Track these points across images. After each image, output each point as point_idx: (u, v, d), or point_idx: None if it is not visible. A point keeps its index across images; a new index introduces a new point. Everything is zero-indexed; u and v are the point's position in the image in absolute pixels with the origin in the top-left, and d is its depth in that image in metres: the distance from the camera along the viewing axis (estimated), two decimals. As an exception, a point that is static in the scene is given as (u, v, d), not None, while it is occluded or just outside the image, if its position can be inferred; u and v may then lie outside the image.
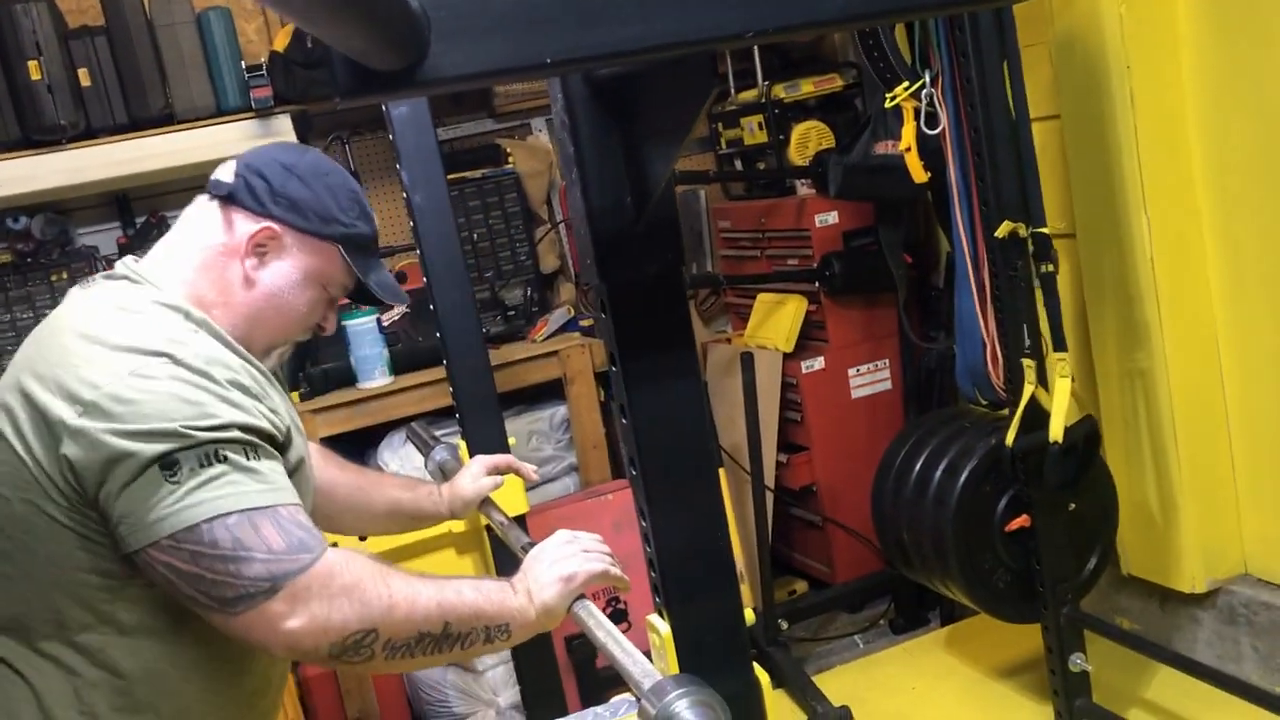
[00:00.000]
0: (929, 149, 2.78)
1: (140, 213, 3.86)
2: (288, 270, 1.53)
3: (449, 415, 3.58)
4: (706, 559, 1.27)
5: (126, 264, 1.53)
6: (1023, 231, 2.57)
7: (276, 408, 1.48)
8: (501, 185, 3.95)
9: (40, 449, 1.33)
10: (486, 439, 2.40)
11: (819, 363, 3.77)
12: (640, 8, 0.89)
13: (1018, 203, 2.58)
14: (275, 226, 1.50)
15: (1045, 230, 2.58)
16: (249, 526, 1.30)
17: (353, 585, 1.34)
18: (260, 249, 1.51)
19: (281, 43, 3.61)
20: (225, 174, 1.54)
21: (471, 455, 2.38)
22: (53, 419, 1.31)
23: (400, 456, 3.51)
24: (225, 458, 1.31)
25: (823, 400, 3.78)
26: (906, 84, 2.73)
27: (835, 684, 3.26)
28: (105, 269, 3.73)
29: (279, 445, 1.43)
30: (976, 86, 2.58)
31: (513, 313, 3.86)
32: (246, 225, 1.50)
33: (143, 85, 3.49)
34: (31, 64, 3.36)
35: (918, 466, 2.95)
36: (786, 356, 3.80)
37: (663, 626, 1.28)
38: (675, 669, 1.27)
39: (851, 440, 3.79)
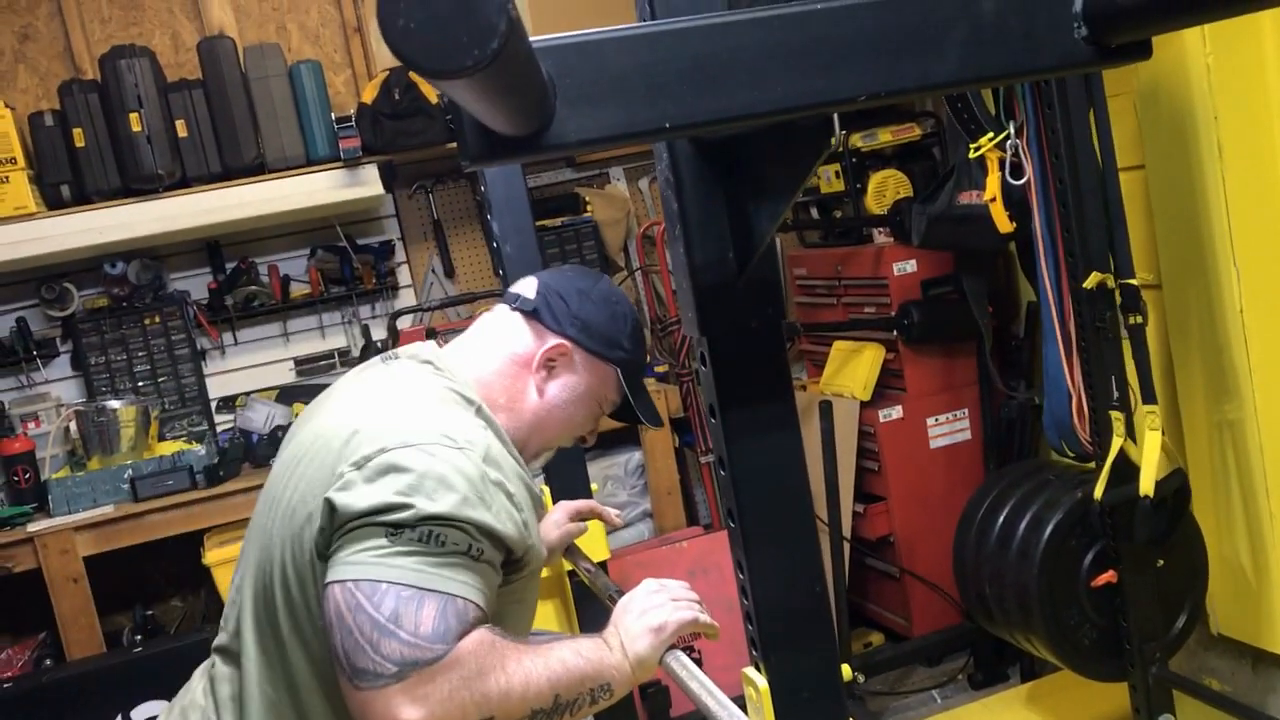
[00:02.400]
0: (1014, 199, 2.77)
1: (230, 259, 3.97)
2: (573, 385, 1.65)
3: (530, 459, 3.62)
4: (804, 613, 1.27)
5: (430, 350, 1.64)
6: (1110, 283, 2.55)
7: (529, 522, 1.52)
8: (580, 233, 4.01)
9: (318, 489, 1.41)
10: (570, 482, 2.42)
11: (897, 411, 3.74)
12: (756, 74, 0.91)
13: (1104, 253, 2.56)
14: (569, 344, 1.63)
15: (1134, 281, 2.56)
16: (415, 603, 1.32)
17: (474, 676, 1.34)
18: (551, 363, 1.63)
19: (370, 95, 3.71)
20: (528, 290, 1.68)
21: (555, 497, 2.41)
22: (333, 468, 1.40)
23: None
24: (444, 542, 1.35)
25: (901, 450, 3.75)
26: (991, 134, 2.73)
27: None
28: (196, 314, 3.85)
29: (514, 559, 1.47)
30: (1062, 137, 2.57)
31: (590, 358, 3.89)
32: (544, 339, 1.63)
33: (236, 136, 3.62)
34: (133, 116, 3.50)
35: (1001, 519, 2.91)
36: (863, 405, 3.78)
37: (760, 680, 1.27)
38: (772, 723, 1.27)
39: (930, 491, 3.75)
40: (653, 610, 1.53)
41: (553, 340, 1.63)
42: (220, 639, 1.58)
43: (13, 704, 3.05)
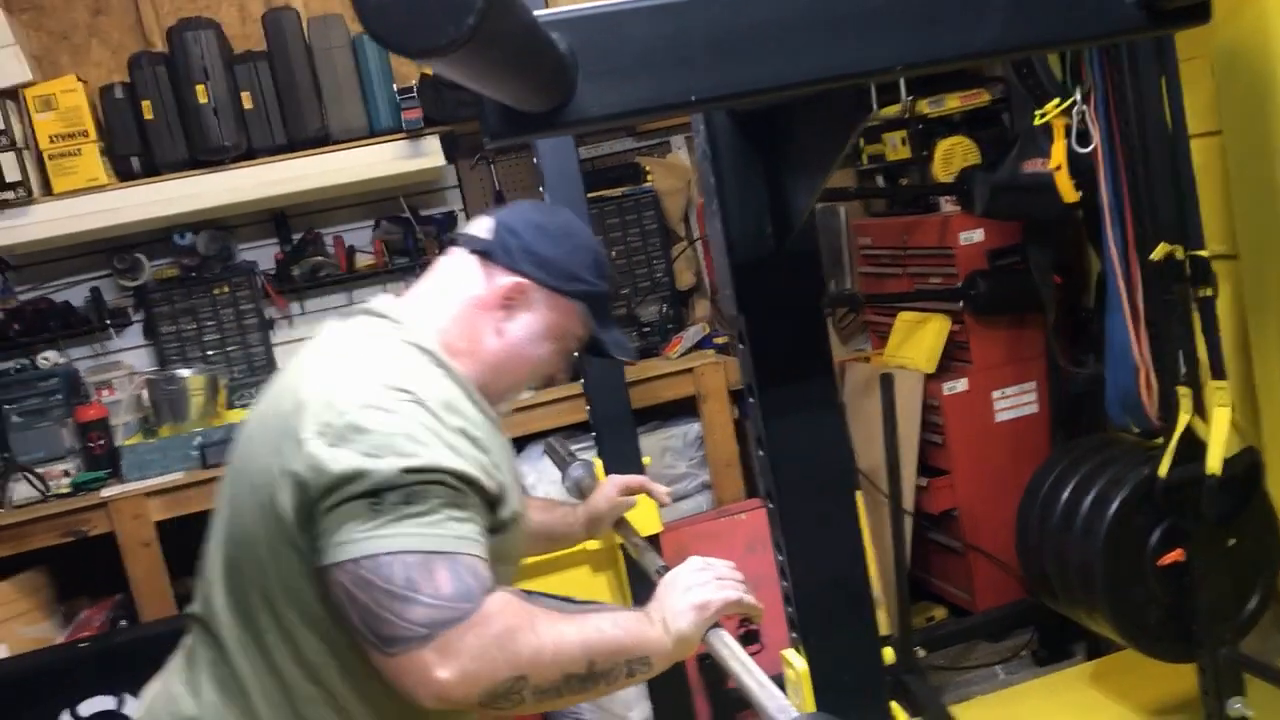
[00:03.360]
0: (1080, 167, 2.69)
1: (296, 230, 4.02)
2: (532, 323, 1.60)
3: (585, 429, 3.62)
4: (844, 595, 1.25)
5: (385, 303, 1.61)
6: (1179, 254, 2.46)
7: (499, 463, 1.52)
8: (640, 203, 3.98)
9: (280, 462, 1.40)
10: (621, 456, 2.41)
11: (962, 384, 3.68)
12: (784, 44, 0.89)
13: (1174, 223, 2.47)
14: (525, 282, 1.58)
15: (1204, 253, 2.47)
16: (425, 568, 1.32)
17: (504, 633, 1.34)
18: (509, 302, 1.59)
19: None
20: (482, 229, 1.63)
21: (607, 471, 2.40)
22: (294, 436, 1.38)
23: (538, 470, 3.56)
24: (428, 499, 1.34)
25: (965, 423, 3.69)
26: (1057, 100, 2.64)
27: (974, 715, 3.17)
28: (263, 284, 3.91)
29: (490, 500, 1.46)
30: (1131, 103, 2.48)
31: (648, 329, 3.89)
32: (499, 279, 1.58)
33: (301, 107, 3.64)
34: (199, 88, 3.54)
35: (1065, 495, 2.84)
36: (928, 377, 3.72)
37: (798, 662, 1.26)
38: (811, 706, 1.26)
39: (994, 465, 3.69)
40: (697, 588, 1.52)
41: (508, 279, 1.58)
42: (193, 607, 1.57)
43: (90, 662, 3.14)
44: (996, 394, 3.71)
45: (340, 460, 1.33)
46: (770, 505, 1.24)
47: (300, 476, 1.35)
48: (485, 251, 1.60)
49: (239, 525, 1.47)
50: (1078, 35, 0.93)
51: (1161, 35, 0.85)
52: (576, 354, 1.70)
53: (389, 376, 1.42)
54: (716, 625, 1.51)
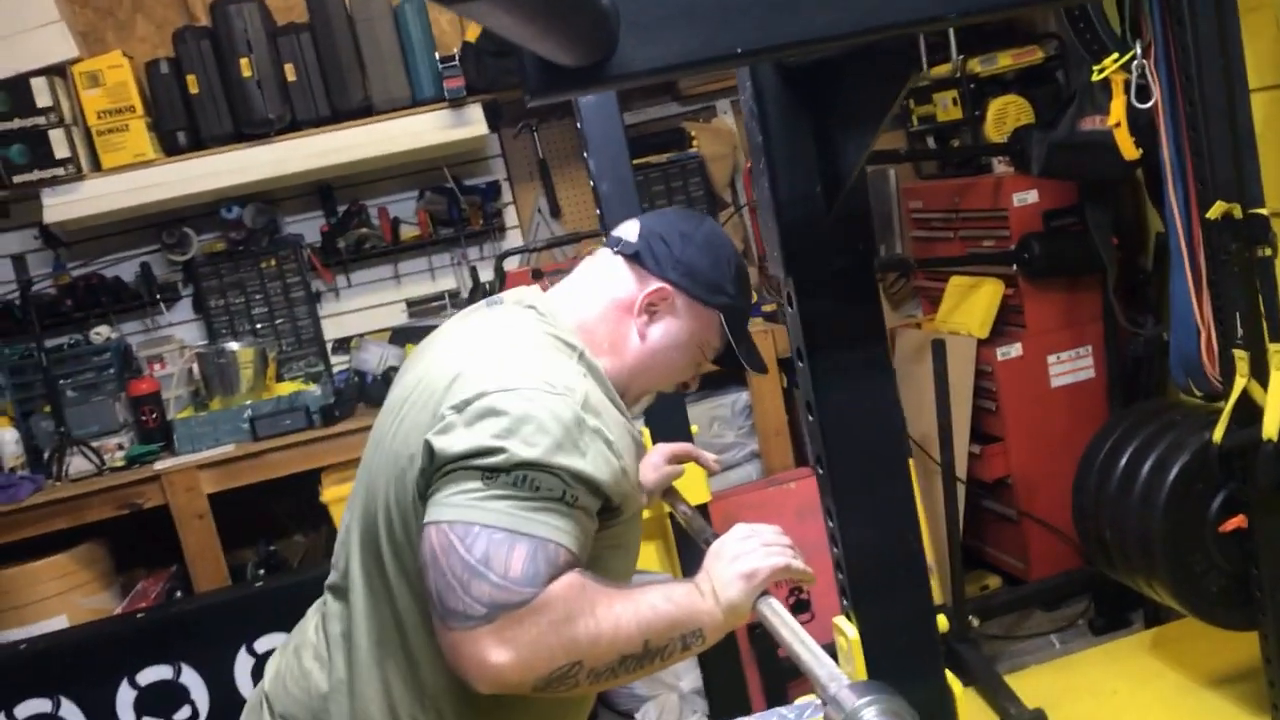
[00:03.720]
0: (1140, 124, 2.61)
1: (341, 201, 4.03)
2: (674, 330, 1.62)
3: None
4: (897, 561, 1.22)
5: (533, 294, 1.64)
6: (1237, 212, 2.38)
7: (628, 468, 1.51)
8: (686, 169, 3.95)
9: (420, 432, 1.42)
10: (669, 424, 2.39)
11: (1016, 349, 3.61)
12: (833, -9, 0.85)
13: (1233, 180, 2.39)
14: (670, 288, 1.60)
15: (1262, 210, 2.39)
16: (506, 547, 1.32)
17: (563, 620, 1.33)
18: (653, 307, 1.61)
19: (474, 33, 3.69)
20: (629, 234, 1.66)
21: (654, 439, 2.38)
22: (434, 411, 1.41)
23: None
24: (539, 487, 1.34)
25: (1019, 389, 3.63)
26: (1116, 55, 2.57)
27: (1029, 685, 3.12)
28: (309, 256, 3.92)
29: (612, 505, 1.46)
30: (1193, 56, 2.40)
31: (696, 297, 3.84)
32: (646, 284, 1.61)
33: (344, 78, 3.64)
34: (243, 61, 3.55)
35: (1123, 461, 2.79)
36: (981, 343, 3.66)
37: (850, 630, 1.23)
38: (863, 674, 1.23)
39: (1050, 431, 3.63)
40: (745, 556, 1.50)
41: (655, 284, 1.60)
42: (331, 578, 1.61)
43: (147, 633, 3.18)
44: (1052, 359, 3.64)
45: (469, 437, 1.35)
46: (820, 471, 1.21)
47: (433, 446, 1.37)
48: (634, 255, 1.62)
49: (374, 495, 1.49)
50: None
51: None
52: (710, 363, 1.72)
53: (535, 367, 1.44)
54: (766, 593, 1.49)
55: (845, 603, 1.24)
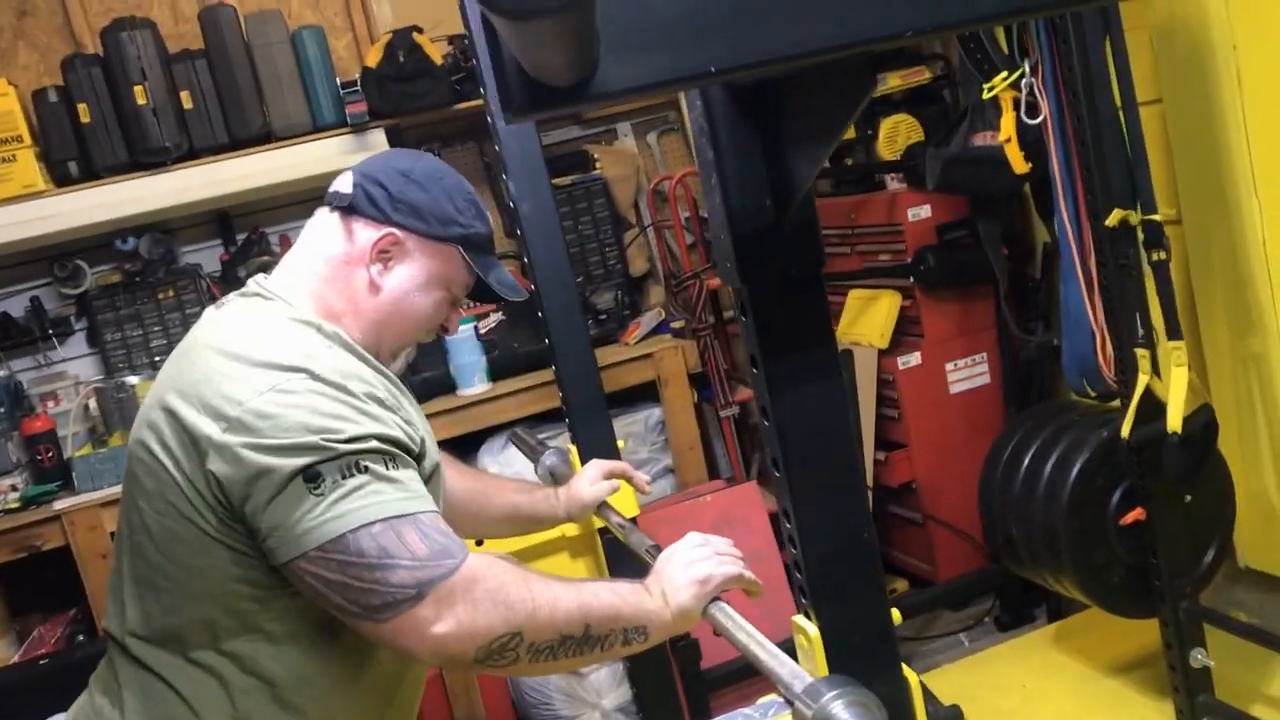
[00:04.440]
0: (1029, 139, 2.74)
1: (241, 230, 3.96)
2: (412, 274, 1.55)
3: (547, 420, 3.62)
4: (853, 559, 1.27)
5: (257, 281, 1.57)
6: (1133, 219, 2.52)
7: (411, 418, 1.51)
8: (590, 191, 3.98)
9: (188, 465, 1.36)
10: (596, 441, 2.41)
11: (915, 358, 3.73)
12: (801, 12, 0.90)
13: (1127, 190, 2.53)
14: (397, 232, 1.53)
15: (1156, 217, 2.53)
16: (393, 534, 1.32)
17: (497, 589, 1.35)
18: (384, 255, 1.53)
19: (374, 59, 3.67)
20: (343, 185, 1.56)
21: (583, 455, 2.41)
22: (198, 435, 1.35)
23: (500, 461, 3.55)
24: (365, 468, 1.33)
25: (920, 396, 3.75)
26: (1005, 74, 2.69)
27: (943, 683, 3.21)
28: (209, 287, 3.84)
29: (414, 455, 1.45)
30: (1079, 74, 2.53)
31: (604, 316, 3.89)
32: (369, 233, 1.52)
33: (242, 105, 3.58)
34: (137, 89, 3.47)
35: (1027, 460, 2.91)
36: (882, 353, 3.77)
37: (810, 628, 1.28)
38: (824, 671, 1.27)
39: (950, 436, 3.75)
40: (698, 563, 1.54)
41: (379, 231, 1.52)
42: (109, 624, 1.54)
43: (51, 679, 3.06)
44: (949, 366, 3.77)
45: (256, 451, 1.31)
46: (778, 474, 1.26)
47: (217, 475, 1.33)
48: (349, 207, 1.53)
49: (148, 539, 1.43)
50: (1078, -3, 0.95)
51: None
52: (465, 300, 1.66)
53: (279, 356, 1.38)
54: (717, 599, 1.53)
55: (804, 601, 1.28)
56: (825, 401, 1.24)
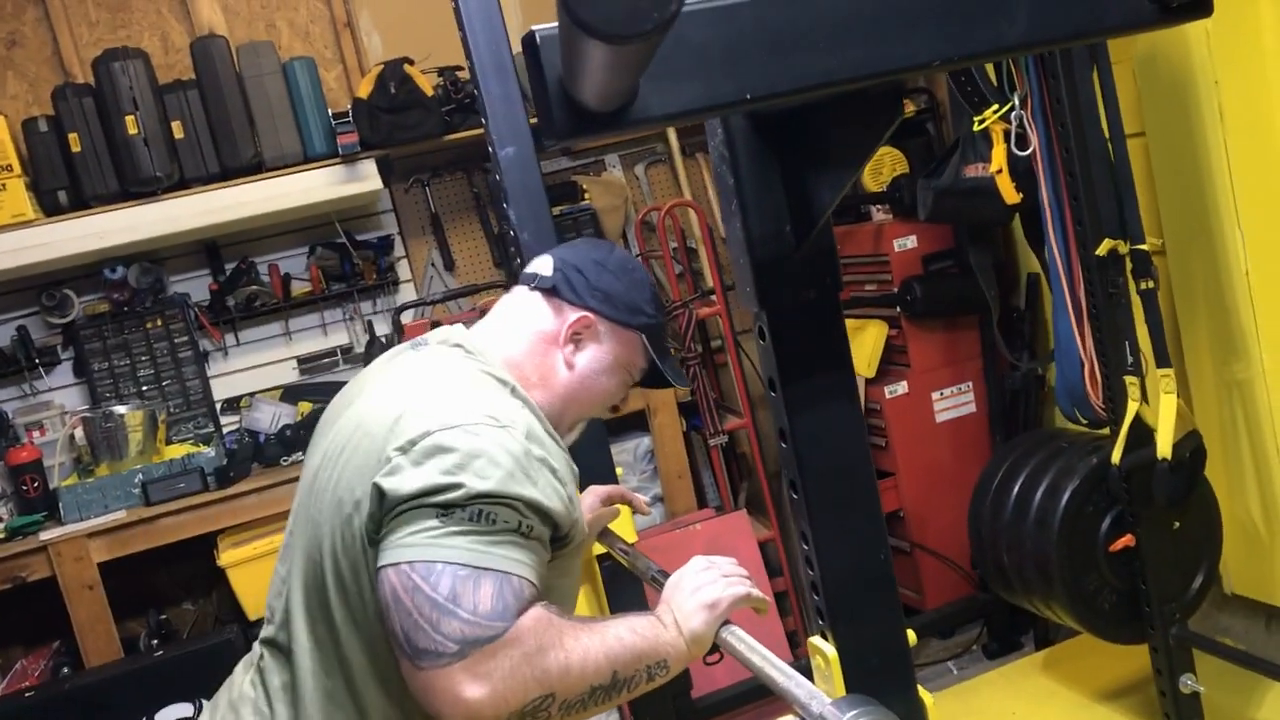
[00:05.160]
0: (1019, 170, 2.79)
1: (230, 259, 3.95)
2: (600, 356, 1.66)
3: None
4: (870, 579, 1.29)
5: (458, 333, 1.64)
6: (1122, 249, 2.57)
7: (573, 497, 1.53)
8: (579, 221, 4.01)
9: (365, 476, 1.41)
10: (595, 467, 2.41)
11: (902, 387, 3.77)
12: (834, 42, 0.92)
13: (1115, 220, 2.58)
14: (591, 316, 1.65)
15: (1145, 247, 2.58)
16: (472, 583, 1.32)
17: (535, 651, 1.34)
18: (577, 336, 1.65)
19: (365, 90, 3.70)
20: (544, 268, 1.69)
21: (581, 482, 2.41)
22: (379, 453, 1.40)
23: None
24: (495, 520, 1.35)
25: (907, 425, 3.78)
26: (995, 106, 2.74)
27: (933, 711, 3.22)
28: (197, 316, 3.83)
29: (562, 534, 1.48)
30: (1067, 106, 2.59)
31: (594, 346, 3.89)
32: (567, 314, 1.65)
33: (233, 135, 3.59)
34: (129, 119, 3.47)
35: (1017, 488, 2.93)
36: (869, 382, 3.80)
37: (828, 649, 1.29)
38: (842, 691, 1.28)
39: (937, 464, 3.79)
40: (706, 587, 1.54)
41: (576, 314, 1.64)
42: (267, 631, 1.59)
43: (37, 712, 3.04)
44: (935, 395, 3.81)
45: (420, 476, 1.35)
46: (794, 496, 1.27)
47: (382, 489, 1.37)
48: (551, 289, 1.66)
49: (317, 543, 1.48)
50: (1097, 29, 0.98)
51: (1169, 27, 0.90)
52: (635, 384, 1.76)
53: (476, 402, 1.45)
54: (728, 623, 1.54)
55: (822, 623, 1.30)
56: (843, 424, 1.26)
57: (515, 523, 1.37)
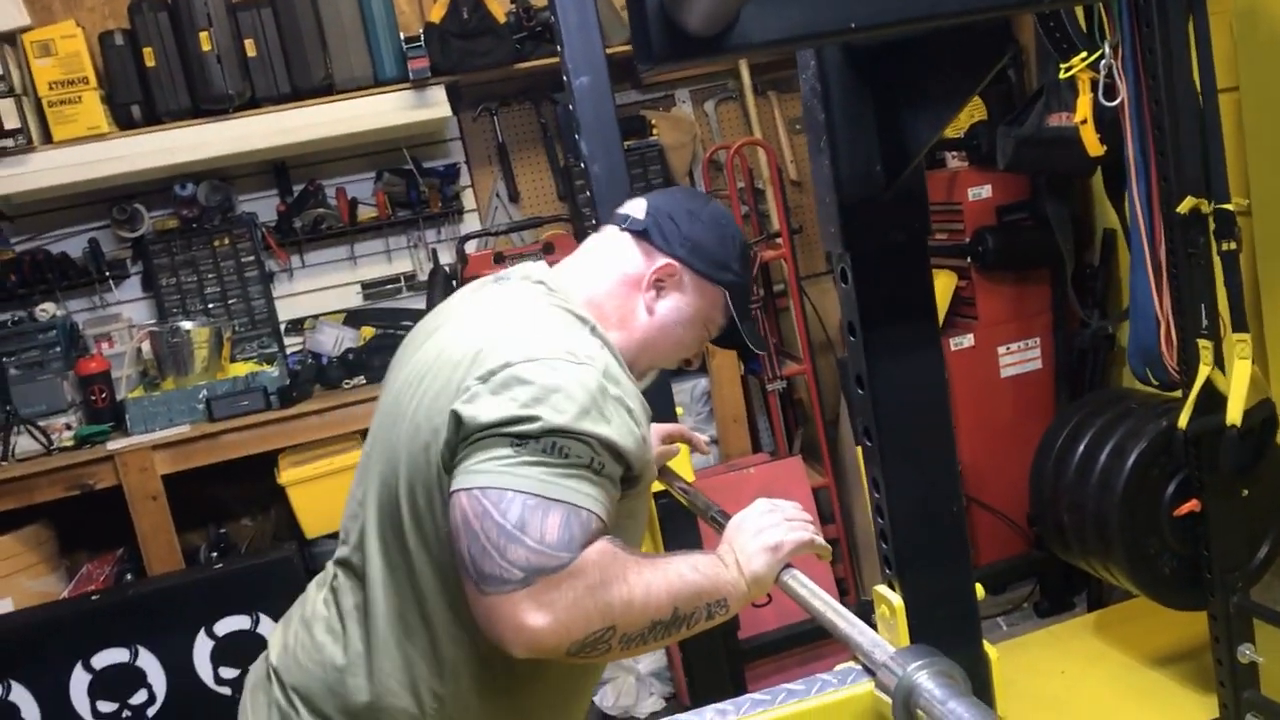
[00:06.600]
0: (1105, 121, 2.70)
1: (298, 181, 3.97)
2: (681, 306, 1.65)
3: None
4: (941, 530, 1.27)
5: (541, 270, 1.64)
6: (1205, 208, 2.49)
7: (646, 438, 1.53)
8: (646, 157, 3.97)
9: (443, 403, 1.42)
10: (656, 406, 2.40)
11: (968, 340, 3.71)
12: (946, -28, 0.88)
13: (1200, 178, 2.50)
14: (677, 264, 1.63)
15: (1229, 206, 2.49)
16: (540, 513, 1.33)
17: (599, 584, 1.35)
18: (660, 283, 1.63)
19: (438, 14, 3.66)
20: (637, 211, 1.68)
21: (640, 423, 2.40)
22: (459, 382, 1.41)
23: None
24: (569, 454, 1.35)
25: (971, 378, 3.73)
26: (1084, 54, 2.65)
27: (996, 666, 3.21)
28: (264, 236, 3.86)
29: (634, 474, 1.48)
30: (1159, 57, 2.49)
31: (657, 285, 3.87)
32: (654, 259, 1.63)
33: (305, 56, 3.59)
34: (203, 35, 3.48)
35: (1082, 448, 2.89)
36: (933, 333, 3.75)
37: (894, 598, 1.27)
38: (906, 641, 1.27)
39: (999, 420, 3.74)
40: (769, 529, 1.53)
41: (662, 260, 1.63)
42: (341, 552, 1.61)
43: (101, 616, 3.12)
44: (1001, 350, 3.75)
45: (497, 405, 1.36)
46: (869, 443, 1.25)
47: (460, 416, 1.38)
48: (642, 232, 1.64)
49: (393, 467, 1.49)
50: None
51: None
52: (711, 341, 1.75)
53: (556, 338, 1.45)
54: (789, 566, 1.53)
55: (888, 571, 1.28)
56: (925, 372, 1.24)
57: (587, 458, 1.37)
